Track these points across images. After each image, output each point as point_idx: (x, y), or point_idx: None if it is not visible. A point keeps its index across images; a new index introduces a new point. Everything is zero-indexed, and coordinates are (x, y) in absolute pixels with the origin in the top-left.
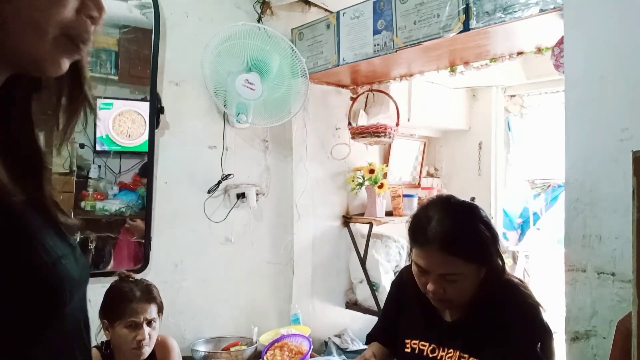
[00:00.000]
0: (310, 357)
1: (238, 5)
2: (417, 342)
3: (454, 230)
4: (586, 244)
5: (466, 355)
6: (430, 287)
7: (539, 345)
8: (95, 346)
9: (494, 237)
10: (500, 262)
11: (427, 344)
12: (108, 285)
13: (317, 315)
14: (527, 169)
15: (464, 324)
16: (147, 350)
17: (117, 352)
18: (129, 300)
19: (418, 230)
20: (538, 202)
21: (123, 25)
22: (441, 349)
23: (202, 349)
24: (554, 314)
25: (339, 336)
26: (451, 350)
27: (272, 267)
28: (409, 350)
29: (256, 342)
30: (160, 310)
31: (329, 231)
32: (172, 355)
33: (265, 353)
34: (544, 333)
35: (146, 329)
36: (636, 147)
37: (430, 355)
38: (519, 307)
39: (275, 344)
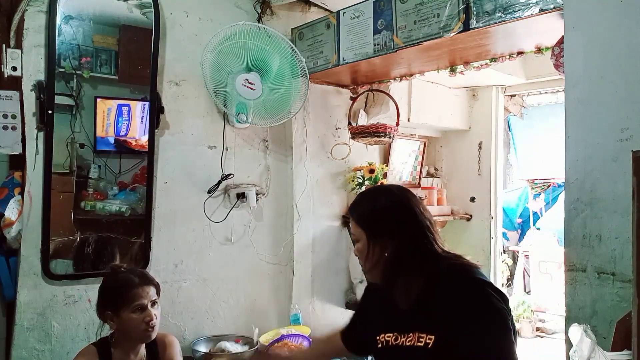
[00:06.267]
0: None
1: (238, 5)
2: (383, 335)
3: (356, 201)
4: (586, 244)
5: (424, 335)
6: None
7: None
8: (91, 343)
9: (402, 217)
10: (417, 245)
11: (391, 335)
12: None
13: (317, 315)
14: (527, 169)
15: (417, 307)
16: (156, 330)
17: (127, 337)
18: (131, 287)
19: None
20: (538, 202)
21: (123, 25)
22: (402, 335)
23: (202, 349)
24: (554, 314)
25: None
26: (410, 334)
27: (272, 267)
28: (380, 345)
29: (256, 343)
30: (158, 291)
31: (328, 231)
32: (174, 350)
33: None
34: (488, 310)
35: (151, 309)
36: (636, 147)
37: (394, 344)
38: (462, 284)
39: (276, 344)
